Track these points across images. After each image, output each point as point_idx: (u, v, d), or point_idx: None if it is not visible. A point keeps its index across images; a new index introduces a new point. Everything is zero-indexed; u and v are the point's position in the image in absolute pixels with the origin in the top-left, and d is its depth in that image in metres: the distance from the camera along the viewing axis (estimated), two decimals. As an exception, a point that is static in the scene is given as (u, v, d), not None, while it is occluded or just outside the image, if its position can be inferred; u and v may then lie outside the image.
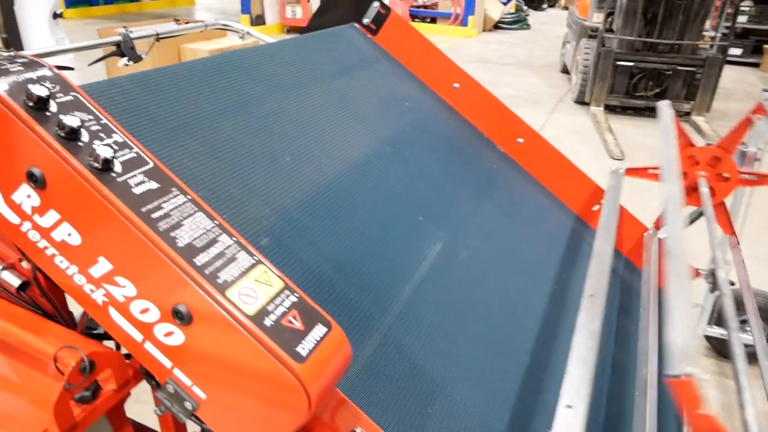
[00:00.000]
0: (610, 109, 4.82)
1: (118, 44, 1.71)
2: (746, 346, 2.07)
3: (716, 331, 2.00)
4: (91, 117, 0.68)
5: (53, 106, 0.65)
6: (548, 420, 0.94)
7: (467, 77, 1.84)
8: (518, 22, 9.35)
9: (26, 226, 0.69)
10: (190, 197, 0.68)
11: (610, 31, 4.58)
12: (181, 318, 0.63)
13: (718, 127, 4.57)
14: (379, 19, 1.88)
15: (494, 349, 0.99)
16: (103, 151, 0.63)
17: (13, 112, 0.62)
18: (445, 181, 1.31)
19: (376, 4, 1.85)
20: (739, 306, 2.04)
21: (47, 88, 0.65)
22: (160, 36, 1.84)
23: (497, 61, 6.57)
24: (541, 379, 1.01)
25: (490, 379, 0.94)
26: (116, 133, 0.68)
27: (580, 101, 4.96)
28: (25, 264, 0.88)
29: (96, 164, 0.62)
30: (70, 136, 0.63)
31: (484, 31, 8.98)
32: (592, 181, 1.83)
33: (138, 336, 0.68)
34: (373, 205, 1.04)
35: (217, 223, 0.68)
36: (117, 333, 0.70)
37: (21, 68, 0.67)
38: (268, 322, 0.62)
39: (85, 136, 0.65)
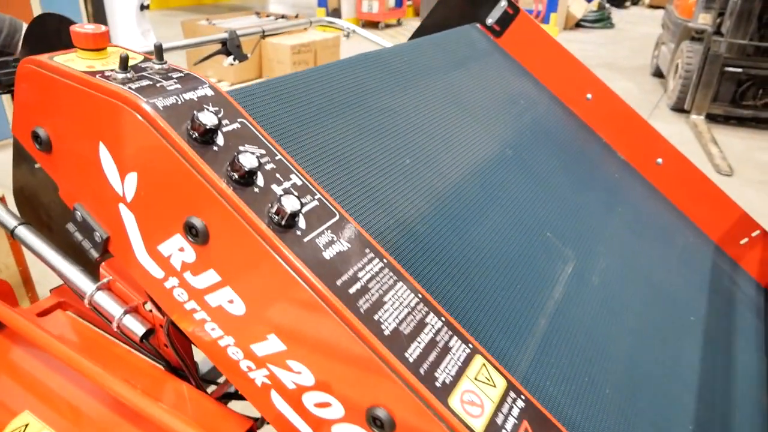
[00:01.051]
0: (710, 118, 4.42)
1: (224, 42, 1.59)
2: None
3: None
4: (263, 152, 0.53)
5: (220, 138, 0.51)
6: None
7: (603, 87, 1.63)
8: (601, 20, 8.87)
9: (172, 282, 0.55)
10: (386, 261, 0.52)
11: (719, 33, 4.19)
12: (379, 426, 0.47)
13: (838, 142, 4.11)
14: (505, 20, 1.69)
15: (636, 397, 0.79)
16: (289, 203, 0.47)
17: (174, 146, 0.48)
18: (569, 191, 1.12)
19: (503, 3, 1.66)
20: None
21: (213, 113, 0.50)
22: (266, 33, 1.72)
23: (582, 62, 6.19)
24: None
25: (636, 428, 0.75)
26: (294, 173, 0.53)
27: (678, 108, 4.58)
28: (149, 306, 0.76)
29: (279, 219, 0.47)
30: (246, 180, 0.48)
31: (565, 29, 8.56)
32: (741, 209, 1.59)
33: None
34: (500, 218, 0.86)
35: (422, 296, 0.52)
36: (276, 419, 0.55)
37: (178, 86, 0.53)
38: (499, 444, 0.45)
39: (260, 180, 0.50)
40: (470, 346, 0.51)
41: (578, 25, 8.80)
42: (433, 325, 0.50)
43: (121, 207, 0.55)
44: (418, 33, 1.67)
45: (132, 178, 0.52)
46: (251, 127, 0.54)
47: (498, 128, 1.16)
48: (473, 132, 1.08)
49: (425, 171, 0.86)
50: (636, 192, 1.46)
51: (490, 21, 1.66)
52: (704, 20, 4.34)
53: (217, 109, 0.53)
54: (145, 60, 0.57)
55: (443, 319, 0.51)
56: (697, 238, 1.49)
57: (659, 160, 1.61)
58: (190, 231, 0.50)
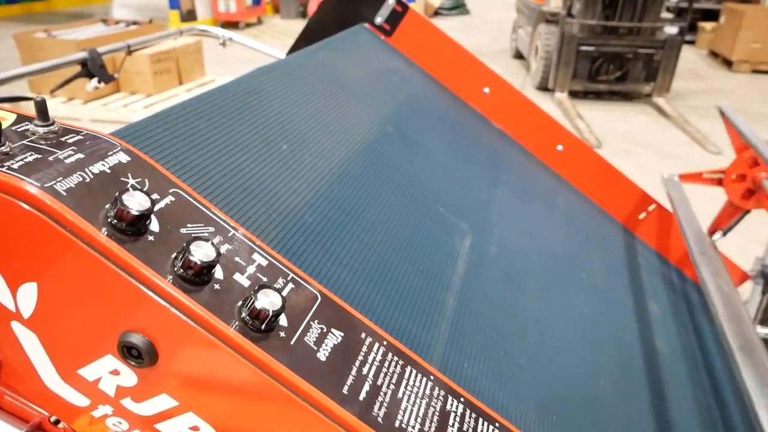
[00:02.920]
0: (572, 94, 4.76)
1: (83, 63, 1.36)
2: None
3: (764, 332, 1.91)
4: (211, 229, 0.41)
5: (154, 223, 0.38)
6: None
7: (499, 80, 1.63)
8: (458, 7, 9.22)
9: (104, 410, 0.42)
10: (386, 342, 0.43)
11: (570, 15, 4.50)
12: None
13: (679, 107, 4.61)
14: (395, 18, 1.63)
15: (553, 363, 0.79)
16: (268, 301, 0.36)
17: (92, 244, 0.35)
18: (454, 164, 1.11)
19: (390, 1, 1.60)
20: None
21: (141, 191, 0.37)
22: (132, 48, 1.51)
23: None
24: (603, 387, 0.84)
25: (557, 397, 0.74)
26: (256, 251, 0.41)
27: (543, 87, 4.88)
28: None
29: (257, 323, 0.36)
30: (201, 277, 0.36)
31: (424, 18, 8.79)
32: (638, 187, 1.68)
33: None
34: (390, 197, 0.81)
35: (434, 377, 0.43)
36: None
37: (80, 155, 0.39)
38: None
39: (218, 272, 0.38)
40: (497, 425, 0.43)
41: (436, 13, 9.08)
42: (456, 412, 0.41)
43: (15, 326, 0.40)
44: (304, 35, 1.56)
45: (28, 290, 0.38)
46: (188, 197, 0.42)
47: (376, 105, 1.10)
48: (351, 111, 0.99)
49: (305, 155, 0.76)
50: (516, 160, 1.47)
51: (379, 20, 1.59)
52: (556, 4, 4.64)
53: (140, 180, 0.40)
54: (21, 120, 0.42)
55: (463, 400, 0.43)
56: (578, 198, 1.54)
57: (559, 147, 1.66)
58: (129, 352, 0.37)
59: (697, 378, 1.04)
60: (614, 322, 1.02)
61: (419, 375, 0.42)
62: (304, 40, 1.55)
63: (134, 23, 4.55)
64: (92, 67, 1.35)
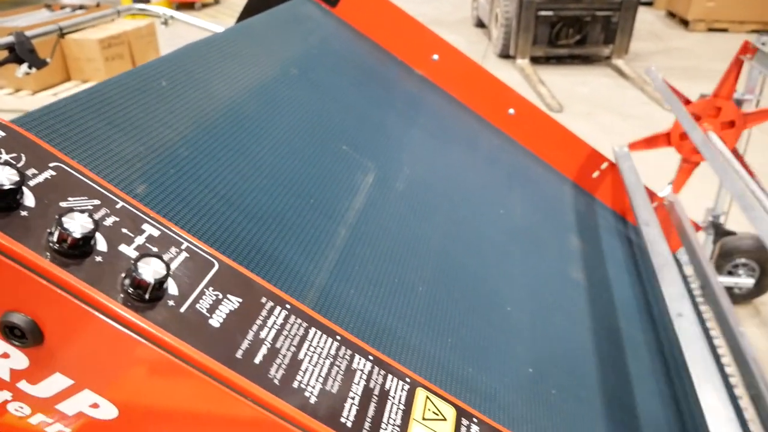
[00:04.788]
0: (534, 60, 4.76)
1: (11, 47, 1.31)
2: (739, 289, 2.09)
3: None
4: (97, 202, 0.39)
5: (29, 198, 0.37)
6: (530, 356, 0.79)
7: (448, 46, 1.62)
8: (417, -22, 9.09)
9: (2, 396, 0.40)
10: (289, 305, 0.42)
11: (527, -20, 4.48)
12: None
13: (638, 68, 4.66)
14: (339, -12, 1.60)
15: (452, 288, 0.80)
16: (150, 269, 0.35)
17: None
18: (366, 107, 1.10)
19: (333, -29, 1.56)
20: (732, 252, 2.03)
21: (12, 165, 0.36)
22: (65, 31, 1.45)
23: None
24: (510, 312, 0.86)
25: (457, 321, 0.75)
26: (147, 221, 0.40)
27: (504, 55, 4.87)
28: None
29: (140, 293, 0.35)
30: (80, 249, 0.35)
31: (384, -9, 8.66)
32: (589, 146, 1.70)
33: None
34: (285, 135, 0.80)
35: (341, 337, 0.43)
36: None
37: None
38: (468, 488, 0.39)
39: (101, 244, 0.37)
40: (408, 380, 0.43)
41: (398, -15, 8.95)
42: (362, 370, 0.41)
43: None
44: (246, 10, 1.53)
45: None
46: (71, 170, 0.40)
47: (279, 49, 1.08)
48: (249, 53, 0.97)
49: (189, 92, 0.73)
50: (437, 102, 1.46)
51: (323, -9, 1.56)
52: (513, -31, 4.61)
53: (15, 155, 0.38)
54: None
55: (372, 357, 0.43)
56: (500, 139, 1.54)
57: (511, 111, 1.66)
58: (12, 332, 0.36)
59: (608, 302, 1.07)
60: (527, 253, 1.03)
61: (324, 336, 0.42)
62: (246, 15, 1.51)
63: (81, 7, 4.37)
64: (21, 52, 1.30)
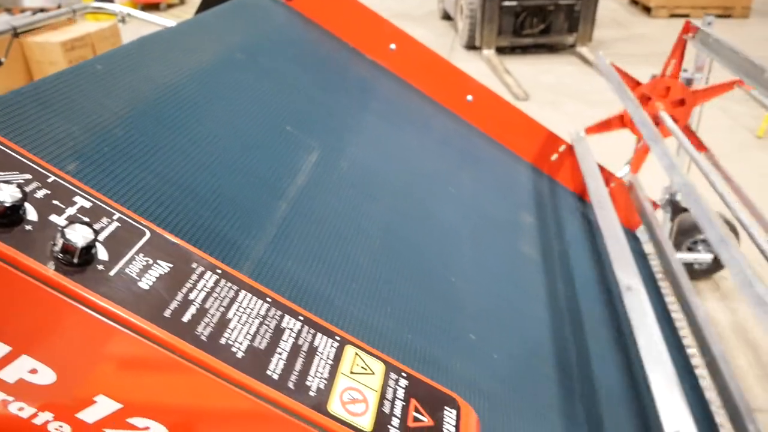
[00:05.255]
0: (500, 50, 4.82)
1: (-37, 49, 1.30)
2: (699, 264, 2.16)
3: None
4: (28, 176, 0.41)
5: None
6: (473, 324, 0.82)
7: (405, 36, 1.65)
8: (384, -27, 9.11)
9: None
10: (221, 270, 0.44)
11: (490, -29, 4.53)
12: (259, 460, 0.41)
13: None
14: (294, -19, 1.61)
15: (394, 261, 0.82)
16: (77, 234, 0.37)
17: None
18: (314, 90, 1.12)
19: (289, -36, 1.57)
20: (690, 229, 2.10)
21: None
22: (19, 31, 1.44)
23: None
24: (454, 283, 0.88)
25: (398, 291, 0.77)
26: (79, 194, 0.42)
27: (471, 46, 4.92)
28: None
29: (68, 257, 0.37)
30: (9, 218, 0.37)
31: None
32: (547, 129, 1.75)
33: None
34: (226, 114, 0.82)
35: (271, 299, 0.45)
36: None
37: None
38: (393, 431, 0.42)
39: (31, 213, 0.39)
40: (338, 338, 0.46)
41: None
42: (292, 329, 0.44)
43: None
44: (203, 5, 1.53)
45: None
46: (3, 147, 0.42)
47: (226, 36, 1.08)
48: (195, 41, 0.98)
49: (126, 75, 0.74)
50: (390, 88, 1.49)
51: (278, -16, 1.57)
52: (476, -39, 4.66)
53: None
54: None
55: (302, 317, 0.45)
56: (455, 124, 1.58)
57: (469, 97, 1.69)
58: (-54, 302, 0.37)
59: (558, 275, 1.10)
60: (477, 228, 1.06)
61: (254, 298, 0.44)
62: (203, 10, 1.52)
63: (41, 10, 4.31)
64: (-26, 53, 1.29)
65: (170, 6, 7.52)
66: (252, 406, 0.39)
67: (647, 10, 6.30)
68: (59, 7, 4.58)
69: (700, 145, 1.69)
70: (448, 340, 0.74)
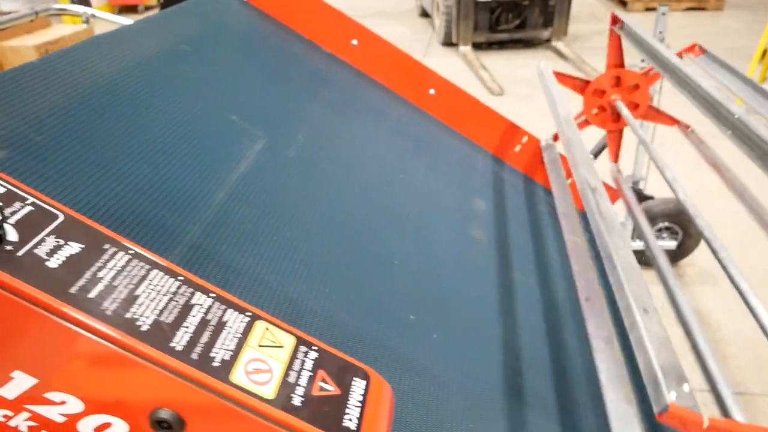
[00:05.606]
0: (476, 46, 4.87)
1: None
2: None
3: (638, 245, 2.08)
4: (-60, 163, 0.43)
5: None
6: (414, 305, 0.84)
7: (366, 31, 1.67)
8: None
9: None
10: (134, 251, 0.47)
11: (465, -32, 4.57)
12: (167, 427, 0.43)
13: (577, 49, 4.81)
14: (255, -21, 1.63)
15: (336, 244, 0.85)
16: (-18, 215, 0.40)
17: None
18: (264, 81, 1.13)
19: (248, -38, 1.59)
20: (654, 217, 2.15)
21: None
22: (-21, 33, 1.44)
23: (355, 14, 6.37)
24: (397, 265, 0.90)
25: (337, 272, 0.79)
26: (-8, 180, 0.44)
27: (448, 42, 4.96)
28: None
29: (-26, 238, 0.39)
30: None
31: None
32: (509, 121, 1.78)
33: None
34: (167, 104, 0.83)
35: (183, 278, 0.48)
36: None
37: None
38: (297, 399, 0.44)
39: (-60, 198, 0.41)
40: (249, 314, 0.48)
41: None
42: (201, 305, 0.46)
43: None
44: (164, 4, 1.55)
45: None
46: None
47: (175, 31, 1.09)
48: (143, 36, 0.99)
49: (64, 66, 0.75)
50: (346, 79, 1.51)
51: (239, -18, 1.59)
52: (450, -42, 4.69)
53: None
54: None
55: (213, 295, 0.48)
56: (414, 114, 1.60)
57: (431, 91, 1.72)
58: None
59: (508, 258, 1.13)
60: (425, 213, 1.08)
61: (166, 276, 0.46)
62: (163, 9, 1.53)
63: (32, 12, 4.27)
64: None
65: (147, 8, 7.49)
66: (157, 375, 0.41)
67: (623, 3, 6.38)
68: (37, 14, 4.56)
69: (671, 120, 1.72)
70: (387, 320, 0.76)
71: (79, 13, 1.72)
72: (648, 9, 6.20)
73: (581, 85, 1.75)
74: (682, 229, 2.20)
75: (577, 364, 0.98)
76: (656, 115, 1.72)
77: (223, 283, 0.62)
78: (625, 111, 1.61)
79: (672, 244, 2.17)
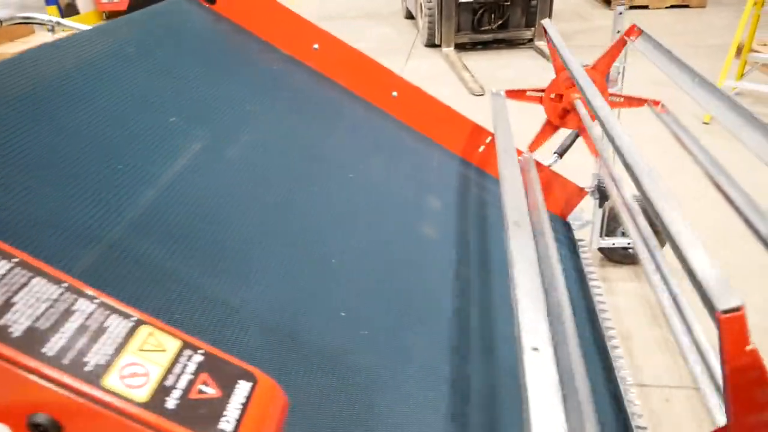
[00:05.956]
0: (459, 47, 4.88)
1: None
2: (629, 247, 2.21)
3: (607, 242, 2.10)
4: None
5: None
6: (346, 302, 0.85)
7: (327, 36, 1.69)
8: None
9: None
10: (17, 259, 0.48)
11: (446, -31, 4.58)
12: (43, 431, 0.44)
13: (560, 48, 4.82)
14: (217, -14, 1.65)
15: (272, 243, 0.85)
16: None
17: None
18: (212, 82, 1.14)
19: (212, -30, 1.61)
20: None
21: None
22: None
23: (345, 15, 6.40)
24: (333, 264, 0.91)
25: (270, 271, 0.80)
26: None
27: (431, 44, 4.97)
28: None
29: None
30: None
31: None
32: (473, 122, 1.80)
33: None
34: (105, 104, 0.84)
35: (68, 285, 0.49)
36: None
37: None
38: (171, 403, 0.45)
39: None
40: (134, 319, 0.50)
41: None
42: (83, 311, 0.48)
43: None
44: (129, 10, 1.56)
45: None
46: None
47: (124, 34, 1.10)
48: (91, 39, 0.99)
49: (9, 74, 0.76)
50: (304, 81, 1.52)
51: (200, -12, 1.60)
52: (432, -41, 4.71)
53: None
54: None
55: (98, 301, 0.49)
56: (372, 115, 1.61)
57: (394, 93, 1.74)
58: None
59: (456, 256, 1.15)
60: (374, 212, 1.09)
61: (48, 283, 0.48)
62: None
63: (-2, 21, 4.29)
64: None
65: (137, 12, 7.49)
66: (28, 381, 0.43)
67: (608, 2, 6.40)
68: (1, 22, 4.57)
69: (639, 101, 1.72)
70: (317, 317, 0.78)
71: (45, 21, 1.73)
72: (632, 7, 6.22)
73: (537, 97, 1.77)
74: (651, 225, 2.21)
75: (507, 355, 1.00)
76: (621, 101, 1.73)
77: (138, 283, 0.63)
78: (582, 110, 1.63)
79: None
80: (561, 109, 1.75)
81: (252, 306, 0.72)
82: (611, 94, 1.72)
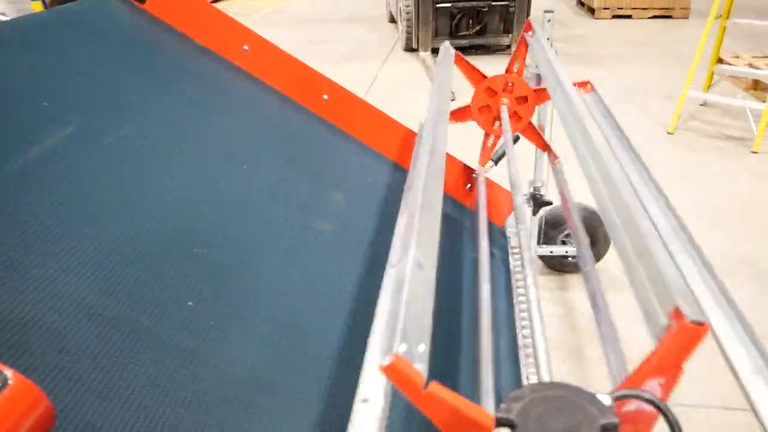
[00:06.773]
0: (437, 52, 4.90)
1: None
2: (572, 257, 2.22)
3: (545, 250, 2.11)
4: None
5: None
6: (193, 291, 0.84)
7: (258, 38, 1.70)
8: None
9: None
10: None
11: (424, -26, 4.60)
12: None
13: (537, 55, 4.84)
14: (147, -15, 1.66)
15: (133, 231, 0.84)
16: None
17: None
18: (106, 74, 1.13)
19: (141, -33, 1.62)
20: (561, 222, 2.16)
21: None
22: None
23: (329, 18, 6.42)
24: (195, 253, 0.90)
25: (127, 263, 0.79)
26: None
27: (409, 48, 4.99)
28: None
29: None
30: None
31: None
32: (402, 125, 1.81)
33: None
34: None
35: None
36: None
37: None
38: None
39: None
40: None
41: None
42: None
43: None
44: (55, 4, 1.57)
45: None
46: None
47: (26, 22, 1.10)
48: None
49: None
50: (217, 77, 1.51)
51: (129, -12, 1.61)
52: (410, -36, 4.73)
53: None
54: None
55: None
56: (290, 115, 1.61)
57: (325, 96, 1.75)
58: None
59: (351, 251, 1.14)
60: (263, 206, 1.10)
61: None
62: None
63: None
64: None
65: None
66: None
67: (592, 11, 6.42)
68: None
69: (541, 144, 1.76)
70: (161, 306, 0.77)
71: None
72: (615, 17, 6.25)
73: (477, 78, 1.78)
74: (590, 234, 2.22)
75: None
76: (532, 134, 1.75)
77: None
78: (505, 117, 1.64)
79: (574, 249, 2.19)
80: (492, 118, 1.76)
81: (100, 300, 0.73)
82: (537, 90, 1.73)
